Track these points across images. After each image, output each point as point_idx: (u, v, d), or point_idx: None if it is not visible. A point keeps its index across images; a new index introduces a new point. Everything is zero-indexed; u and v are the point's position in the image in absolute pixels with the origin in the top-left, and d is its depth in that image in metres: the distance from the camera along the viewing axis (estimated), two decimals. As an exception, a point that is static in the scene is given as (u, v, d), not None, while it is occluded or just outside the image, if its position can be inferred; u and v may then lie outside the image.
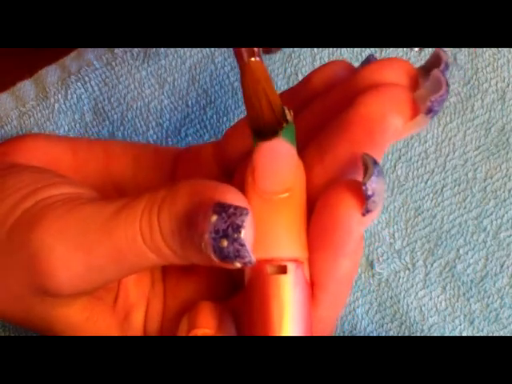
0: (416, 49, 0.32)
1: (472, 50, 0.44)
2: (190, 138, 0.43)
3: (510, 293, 0.42)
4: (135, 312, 0.35)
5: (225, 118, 0.43)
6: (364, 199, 0.29)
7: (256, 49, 0.32)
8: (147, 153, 0.38)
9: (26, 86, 0.43)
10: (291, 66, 0.44)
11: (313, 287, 0.31)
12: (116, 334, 0.35)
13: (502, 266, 0.42)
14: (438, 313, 0.41)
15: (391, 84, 0.31)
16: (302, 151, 0.32)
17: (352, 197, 0.30)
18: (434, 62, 0.32)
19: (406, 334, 0.41)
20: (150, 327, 0.35)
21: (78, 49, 0.44)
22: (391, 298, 0.42)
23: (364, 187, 0.29)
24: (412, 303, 0.42)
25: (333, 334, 0.34)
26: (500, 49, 0.44)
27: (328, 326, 0.33)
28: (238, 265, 0.30)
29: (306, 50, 0.44)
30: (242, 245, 0.29)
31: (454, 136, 0.43)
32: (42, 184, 0.33)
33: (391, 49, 0.43)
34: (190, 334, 0.32)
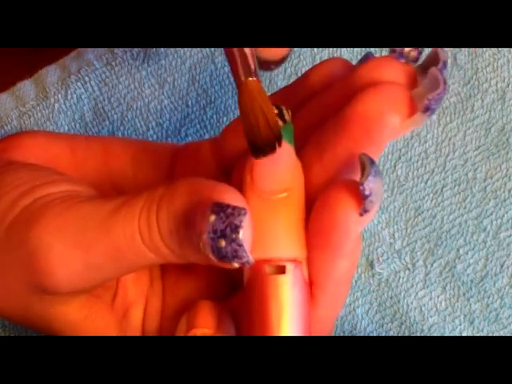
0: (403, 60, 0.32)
1: (472, 50, 0.44)
2: (189, 138, 0.43)
3: (510, 293, 0.41)
4: (134, 310, 0.35)
5: (225, 118, 0.43)
6: (361, 199, 0.29)
7: (252, 67, 0.32)
8: (146, 150, 0.38)
9: (26, 86, 0.43)
10: (291, 66, 0.44)
11: (311, 287, 0.31)
12: (114, 333, 0.35)
13: (502, 266, 0.42)
14: (437, 313, 0.41)
15: (389, 82, 0.31)
16: (300, 150, 0.32)
17: (350, 197, 0.30)
18: (432, 61, 0.31)
19: (406, 334, 0.41)
20: (148, 325, 0.35)
21: (78, 49, 0.44)
22: (391, 298, 0.42)
23: (361, 187, 0.29)
24: (412, 303, 0.42)
25: (332, 334, 0.34)
26: (500, 49, 0.44)
27: (327, 326, 0.33)
28: (236, 265, 0.30)
29: (306, 50, 0.44)
30: (240, 245, 0.29)
31: (454, 136, 0.43)
32: (40, 182, 0.34)
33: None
34: (189, 334, 0.32)
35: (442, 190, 0.43)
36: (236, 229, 0.29)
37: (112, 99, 0.43)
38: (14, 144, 0.37)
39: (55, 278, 0.32)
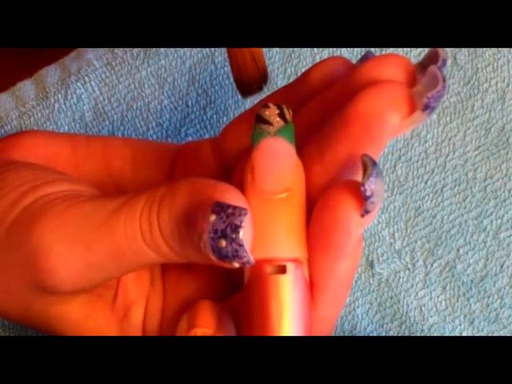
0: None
1: (472, 50, 0.44)
2: (189, 138, 0.43)
3: (510, 293, 0.41)
4: (134, 309, 0.35)
5: (225, 118, 0.43)
6: (363, 200, 0.29)
7: None
8: (146, 150, 0.38)
9: (26, 86, 0.43)
10: (291, 66, 0.44)
11: (312, 287, 0.31)
12: (115, 332, 0.35)
13: (501, 266, 0.42)
14: (438, 313, 0.41)
15: (389, 81, 0.31)
16: (300, 149, 0.32)
17: (351, 198, 0.30)
18: (432, 59, 0.31)
19: (406, 334, 0.41)
20: (149, 325, 0.35)
21: (78, 49, 0.44)
22: (391, 297, 0.42)
23: (363, 188, 0.29)
24: (412, 303, 0.42)
25: (332, 334, 0.34)
26: (500, 49, 0.44)
27: (327, 326, 0.33)
28: (237, 265, 0.30)
29: (306, 50, 0.44)
30: (241, 245, 0.29)
31: (454, 136, 0.43)
32: (41, 181, 0.33)
33: (391, 49, 0.43)
34: (190, 334, 0.32)
35: (441, 190, 0.43)
36: (236, 229, 0.29)
37: (112, 99, 0.43)
38: (13, 144, 0.37)
39: (56, 277, 0.32)
